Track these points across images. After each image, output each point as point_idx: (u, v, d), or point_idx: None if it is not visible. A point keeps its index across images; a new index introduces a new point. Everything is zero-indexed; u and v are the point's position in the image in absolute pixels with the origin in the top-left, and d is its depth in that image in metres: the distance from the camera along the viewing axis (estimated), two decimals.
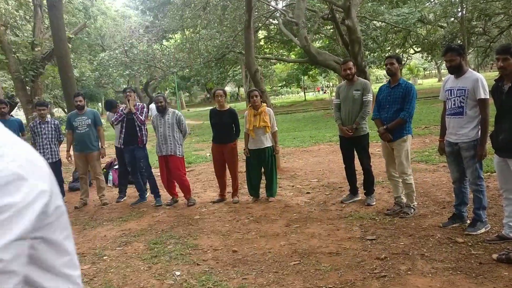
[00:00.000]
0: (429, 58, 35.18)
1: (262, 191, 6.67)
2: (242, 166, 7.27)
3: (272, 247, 4.52)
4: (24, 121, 8.77)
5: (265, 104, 6.71)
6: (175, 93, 31.68)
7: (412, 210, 5.15)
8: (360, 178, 6.08)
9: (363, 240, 4.50)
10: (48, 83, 14.29)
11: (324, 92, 52.07)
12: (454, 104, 4.42)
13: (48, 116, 7.52)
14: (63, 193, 7.36)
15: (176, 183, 6.83)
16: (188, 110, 44.80)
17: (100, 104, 38.01)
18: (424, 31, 29.16)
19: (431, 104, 21.54)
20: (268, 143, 6.43)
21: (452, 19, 27.40)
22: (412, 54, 37.15)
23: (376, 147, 9.01)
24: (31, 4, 17.42)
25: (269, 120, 6.40)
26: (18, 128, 7.35)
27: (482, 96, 4.21)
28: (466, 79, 4.35)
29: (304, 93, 50.36)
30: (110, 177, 8.79)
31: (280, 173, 7.83)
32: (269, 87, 47.91)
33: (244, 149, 6.60)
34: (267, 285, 3.66)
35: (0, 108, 7.28)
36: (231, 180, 6.74)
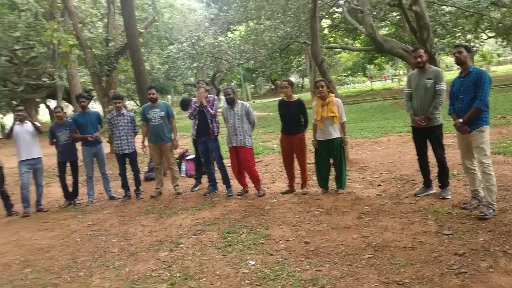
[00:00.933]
0: (504, 43, 33.12)
1: (331, 182, 6.64)
2: (310, 157, 7.27)
3: (344, 240, 4.52)
4: (100, 113, 9.23)
5: (333, 94, 6.65)
6: (240, 84, 32.12)
7: (491, 210, 4.75)
8: (433, 170, 5.90)
9: (439, 235, 4.38)
10: (121, 78, 14.96)
11: (392, 81, 50.47)
12: None
13: (124, 108, 7.87)
14: (139, 182, 7.75)
15: (246, 174, 6.97)
16: (254, 102, 45.13)
17: (169, 96, 39.31)
18: (498, 14, 27.46)
19: (507, 92, 20.35)
20: (336, 134, 6.37)
21: None
22: (485, 39, 35.13)
23: (449, 138, 8.68)
24: (104, 2, 18.29)
25: (337, 110, 6.33)
26: (96, 120, 7.79)
27: None
28: None
29: (371, 82, 49.09)
30: (183, 168, 9.09)
31: (349, 164, 7.75)
32: (334, 76, 47.17)
33: (312, 140, 6.58)
34: (341, 278, 3.66)
35: (80, 102, 7.73)
36: (299, 171, 6.77)
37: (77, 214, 6.95)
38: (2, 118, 43.46)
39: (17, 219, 7.13)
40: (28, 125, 7.40)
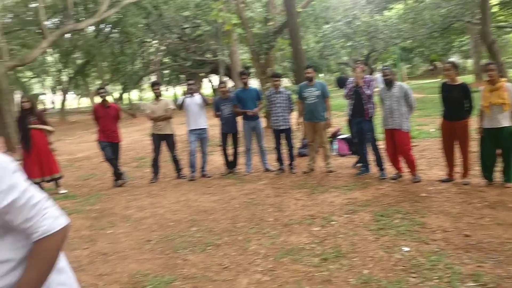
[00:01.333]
0: None
1: (497, 174, 6.10)
2: (473, 146, 6.76)
3: (511, 238, 4.17)
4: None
5: (504, 79, 6.06)
6: (395, 64, 30.82)
7: None
8: None
9: None
10: (278, 56, 15.47)
11: None
12: None
13: (281, 86, 8.13)
14: (293, 157, 8.03)
15: (400, 158, 6.77)
16: (410, 83, 42.95)
17: (321, 75, 39.51)
18: None
19: None
20: (506, 122, 5.81)
21: None
22: None
23: None
24: None
25: (508, 97, 5.76)
26: (256, 96, 8.18)
27: None
28: None
29: None
30: (335, 146, 9.16)
31: None
32: (505, 58, 42.48)
33: (477, 127, 6.11)
34: (507, 278, 3.41)
35: (243, 78, 8.20)
36: (461, 159, 6.35)
37: (236, 182, 7.50)
38: (168, 89, 48.11)
39: (185, 182, 7.96)
40: (197, 98, 8.14)
